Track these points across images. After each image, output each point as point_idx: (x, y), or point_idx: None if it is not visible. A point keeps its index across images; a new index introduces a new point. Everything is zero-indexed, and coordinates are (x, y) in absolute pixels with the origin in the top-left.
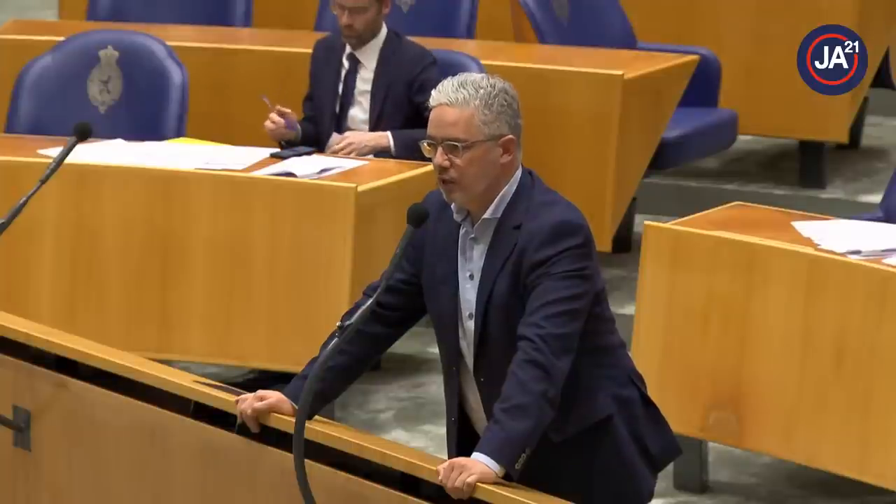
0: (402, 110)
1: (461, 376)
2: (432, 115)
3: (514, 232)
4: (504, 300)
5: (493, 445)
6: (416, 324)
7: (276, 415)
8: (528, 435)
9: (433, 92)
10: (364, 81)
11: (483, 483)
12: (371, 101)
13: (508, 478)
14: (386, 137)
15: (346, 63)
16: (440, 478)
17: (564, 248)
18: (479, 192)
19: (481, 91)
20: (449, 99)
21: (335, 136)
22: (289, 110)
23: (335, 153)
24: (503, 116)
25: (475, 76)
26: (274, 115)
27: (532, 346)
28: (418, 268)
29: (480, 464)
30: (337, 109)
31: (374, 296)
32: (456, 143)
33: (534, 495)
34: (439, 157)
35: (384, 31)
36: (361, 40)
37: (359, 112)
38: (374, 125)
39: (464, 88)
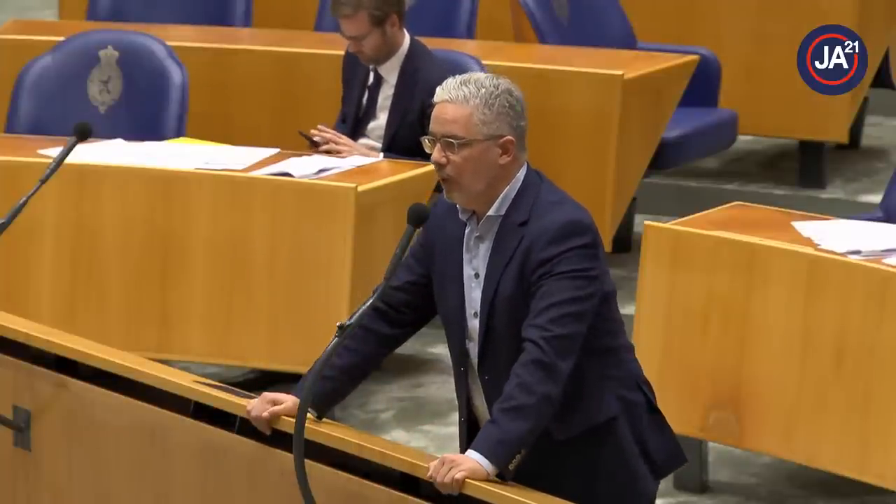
0: (414, 134)
1: (469, 376)
2: (434, 112)
3: (519, 229)
4: (509, 297)
5: (488, 444)
6: (425, 324)
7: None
8: (525, 436)
9: (437, 89)
10: (386, 97)
11: (472, 480)
12: (388, 118)
13: (501, 477)
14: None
15: (371, 75)
16: (430, 473)
17: (571, 247)
18: (478, 191)
19: (483, 90)
20: (450, 96)
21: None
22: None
23: (330, 143)
24: (504, 117)
25: (480, 75)
26: (323, 135)
27: (536, 348)
28: (428, 268)
29: (472, 460)
30: (359, 117)
31: (376, 295)
32: (453, 140)
33: (533, 495)
34: (436, 154)
35: (405, 44)
36: (378, 60)
37: (379, 125)
38: (389, 144)
39: (466, 86)
